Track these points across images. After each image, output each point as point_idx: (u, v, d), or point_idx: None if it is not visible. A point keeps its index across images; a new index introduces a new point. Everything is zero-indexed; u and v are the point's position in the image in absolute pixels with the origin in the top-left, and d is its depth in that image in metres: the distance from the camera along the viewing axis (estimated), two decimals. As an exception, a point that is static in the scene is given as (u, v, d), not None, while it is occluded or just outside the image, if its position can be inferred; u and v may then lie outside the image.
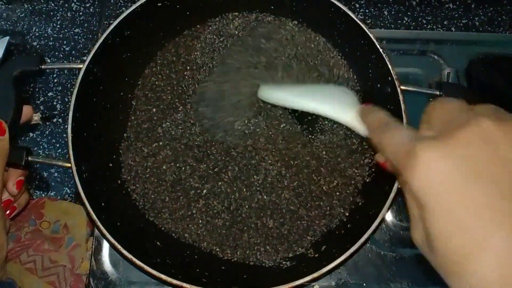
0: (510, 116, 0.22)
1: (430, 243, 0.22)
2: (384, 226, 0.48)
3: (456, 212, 0.21)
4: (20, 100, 0.40)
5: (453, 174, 0.21)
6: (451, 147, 0.21)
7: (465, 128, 0.22)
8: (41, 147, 0.55)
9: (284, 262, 0.43)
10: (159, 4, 0.45)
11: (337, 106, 0.37)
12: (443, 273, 0.22)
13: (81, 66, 0.41)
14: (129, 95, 0.48)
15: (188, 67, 0.49)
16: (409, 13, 0.61)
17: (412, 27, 0.59)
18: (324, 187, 0.45)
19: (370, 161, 0.46)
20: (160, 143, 0.47)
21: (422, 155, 0.22)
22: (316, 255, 0.43)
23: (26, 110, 0.41)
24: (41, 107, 0.57)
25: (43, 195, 0.53)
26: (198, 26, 0.49)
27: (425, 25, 0.60)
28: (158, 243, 0.43)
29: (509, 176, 0.21)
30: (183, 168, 0.46)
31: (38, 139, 0.56)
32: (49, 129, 0.56)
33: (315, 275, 0.37)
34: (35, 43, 0.60)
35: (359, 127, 0.34)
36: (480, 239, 0.20)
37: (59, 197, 0.53)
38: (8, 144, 0.38)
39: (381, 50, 0.42)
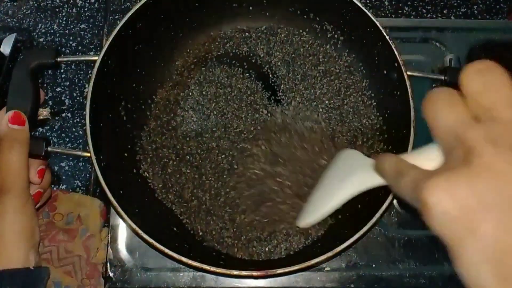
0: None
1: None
2: (392, 209, 0.50)
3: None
4: (37, 92, 0.41)
5: (469, 214, 0.20)
6: (456, 185, 0.20)
7: (470, 162, 0.20)
8: (51, 141, 0.56)
9: (298, 245, 0.45)
10: (169, -4, 0.46)
11: (360, 179, 0.33)
12: None
13: (96, 58, 0.42)
14: (141, 87, 0.49)
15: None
16: (409, 3, 0.62)
17: (412, 16, 0.61)
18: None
19: (379, 148, 0.47)
20: (178, 133, 0.48)
21: (429, 200, 0.20)
22: (328, 237, 0.44)
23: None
24: (50, 102, 0.58)
25: (54, 188, 0.54)
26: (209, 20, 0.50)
27: (424, 14, 0.61)
28: (175, 229, 0.44)
29: None
30: (201, 158, 0.47)
31: (48, 134, 0.57)
32: (59, 124, 0.57)
33: (329, 254, 0.39)
34: (41, 39, 0.61)
35: (382, 181, 0.31)
36: None
37: (70, 189, 0.54)
38: (28, 134, 0.39)
39: (387, 37, 0.43)
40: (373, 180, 0.30)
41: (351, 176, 0.34)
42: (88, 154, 0.40)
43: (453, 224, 0.20)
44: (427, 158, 0.25)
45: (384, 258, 0.48)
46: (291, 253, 0.45)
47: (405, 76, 0.43)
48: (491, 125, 0.21)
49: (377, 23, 0.44)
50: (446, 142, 0.22)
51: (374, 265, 0.48)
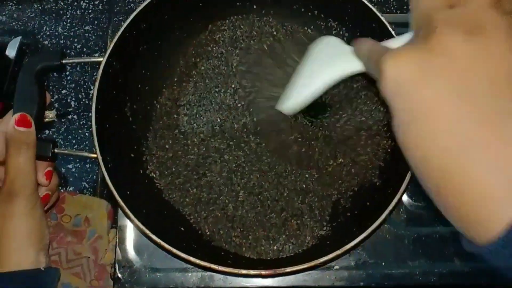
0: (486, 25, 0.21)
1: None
2: (401, 206, 0.49)
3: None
4: (43, 94, 0.41)
5: (413, 83, 0.22)
6: (413, 56, 0.22)
7: (430, 40, 0.22)
8: (57, 143, 0.56)
9: (306, 244, 0.44)
10: (173, -4, 0.46)
11: (342, 64, 0.35)
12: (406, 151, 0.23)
13: (101, 59, 0.42)
14: (146, 87, 0.49)
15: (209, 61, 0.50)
16: (414, -2, 0.61)
17: (417, 12, 0.60)
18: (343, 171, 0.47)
19: (387, 145, 0.47)
20: (184, 133, 0.48)
21: (383, 66, 0.23)
22: (337, 235, 0.44)
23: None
24: (56, 105, 0.58)
25: (62, 190, 0.54)
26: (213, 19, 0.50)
27: (430, 9, 0.61)
28: (182, 228, 0.44)
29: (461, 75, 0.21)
30: (208, 157, 0.47)
31: (54, 136, 0.57)
32: (65, 126, 0.57)
33: (338, 252, 0.38)
34: (46, 42, 0.61)
35: (362, 67, 0.33)
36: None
37: (77, 191, 0.54)
38: (35, 136, 0.39)
39: (393, 33, 0.43)
40: (353, 65, 0.33)
41: (333, 62, 0.36)
42: (95, 155, 0.40)
43: (400, 89, 0.22)
44: (401, 42, 0.27)
45: (394, 256, 0.47)
46: (300, 251, 0.44)
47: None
48: (458, 9, 0.22)
49: (383, 19, 0.43)
50: (417, 24, 0.25)
51: (383, 263, 0.47)
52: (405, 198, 0.50)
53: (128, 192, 0.41)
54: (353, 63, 0.33)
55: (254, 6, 0.51)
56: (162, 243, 0.38)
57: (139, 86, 0.48)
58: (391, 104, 0.23)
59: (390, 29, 0.43)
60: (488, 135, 0.20)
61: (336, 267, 0.47)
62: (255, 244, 0.45)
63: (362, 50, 0.30)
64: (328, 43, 0.39)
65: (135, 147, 0.47)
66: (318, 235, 0.45)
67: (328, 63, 0.37)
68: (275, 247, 0.45)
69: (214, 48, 0.51)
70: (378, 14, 0.44)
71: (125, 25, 0.42)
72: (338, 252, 0.38)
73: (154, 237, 0.38)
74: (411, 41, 0.24)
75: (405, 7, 0.61)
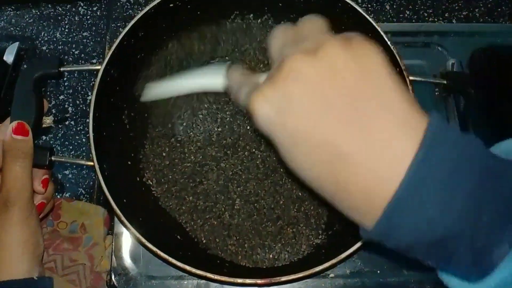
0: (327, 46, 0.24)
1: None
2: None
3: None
4: (41, 102, 0.41)
5: (280, 114, 0.24)
6: (273, 90, 0.24)
7: (282, 69, 0.24)
8: (54, 149, 0.56)
9: (302, 252, 0.45)
10: (171, 5, 0.46)
11: (209, 79, 0.37)
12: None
13: (99, 67, 0.42)
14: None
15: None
16: (410, 7, 0.62)
17: (414, 20, 0.61)
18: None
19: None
20: (180, 141, 0.48)
21: (252, 107, 0.25)
22: (332, 244, 0.44)
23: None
24: (53, 110, 0.58)
25: (58, 196, 0.54)
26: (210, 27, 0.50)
27: (426, 18, 0.61)
28: (178, 237, 0.44)
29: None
30: (204, 165, 0.48)
31: (51, 142, 0.57)
32: (62, 132, 0.57)
33: (333, 261, 0.39)
34: (44, 48, 0.61)
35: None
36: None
37: (74, 197, 0.54)
38: (32, 144, 0.39)
39: (389, 42, 0.43)
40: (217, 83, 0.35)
41: (206, 74, 0.37)
42: (92, 163, 0.40)
43: (272, 123, 0.24)
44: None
45: (389, 265, 0.48)
46: (295, 260, 0.45)
47: (407, 81, 0.42)
48: (303, 42, 0.26)
49: (379, 29, 0.44)
50: (273, 59, 0.28)
51: (379, 271, 0.47)
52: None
53: (124, 200, 0.41)
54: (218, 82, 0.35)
55: (251, 15, 0.51)
56: (158, 251, 0.38)
57: (137, 94, 0.48)
58: (270, 137, 0.25)
59: (386, 39, 0.44)
60: (350, 131, 0.23)
61: (332, 275, 0.47)
62: (251, 253, 0.45)
63: (232, 80, 0.33)
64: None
65: (132, 154, 0.47)
66: (314, 243, 0.45)
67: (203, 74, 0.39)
68: (271, 256, 0.45)
69: (213, 57, 0.51)
70: (374, 24, 0.44)
71: (123, 33, 0.43)
72: (334, 261, 0.39)
73: (149, 245, 0.38)
74: (270, 74, 0.26)
75: (401, 15, 0.61)
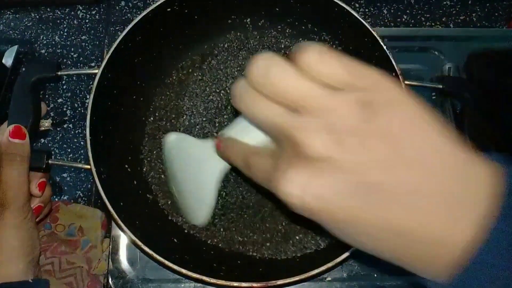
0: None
1: None
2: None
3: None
4: (38, 105, 0.41)
5: (317, 198, 0.22)
6: (307, 181, 0.21)
7: (303, 152, 0.21)
8: (52, 152, 0.56)
9: (297, 255, 0.45)
10: (169, 10, 0.46)
11: (217, 168, 0.33)
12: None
13: (96, 71, 0.42)
14: (141, 99, 0.49)
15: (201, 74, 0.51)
16: (407, 11, 0.62)
17: (411, 25, 0.61)
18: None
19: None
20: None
21: (286, 193, 0.22)
22: (329, 247, 0.44)
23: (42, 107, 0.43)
24: (52, 113, 0.58)
25: (56, 199, 0.54)
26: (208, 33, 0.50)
27: (423, 22, 0.62)
28: (175, 240, 0.44)
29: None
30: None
31: (49, 145, 0.57)
32: (60, 135, 0.58)
33: (329, 264, 0.39)
34: (43, 51, 0.61)
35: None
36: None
37: (72, 200, 0.54)
38: (29, 147, 0.39)
39: (384, 47, 0.43)
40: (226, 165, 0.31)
41: (208, 169, 0.34)
42: (89, 167, 0.40)
43: (315, 212, 0.22)
44: (255, 136, 0.26)
45: (386, 268, 0.48)
46: (292, 263, 0.45)
47: (403, 86, 0.43)
48: (314, 115, 0.21)
49: (374, 33, 0.44)
50: (271, 135, 0.24)
51: (375, 275, 0.48)
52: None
53: (121, 203, 0.41)
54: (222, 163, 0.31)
55: (249, 20, 0.51)
56: (154, 254, 0.38)
57: (134, 97, 0.48)
58: (313, 218, 0.23)
59: (381, 43, 0.44)
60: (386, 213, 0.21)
61: (329, 278, 0.47)
62: (248, 255, 0.45)
63: (234, 160, 0.28)
64: (182, 143, 0.38)
65: (130, 158, 0.47)
66: (312, 247, 0.45)
67: (206, 173, 0.35)
68: (268, 258, 0.45)
69: (210, 61, 0.51)
70: (370, 29, 0.44)
71: (120, 37, 0.43)
72: (329, 264, 0.39)
73: (146, 248, 0.38)
74: (283, 153, 0.23)
75: (398, 19, 0.62)
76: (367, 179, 0.21)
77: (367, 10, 0.63)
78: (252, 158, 0.26)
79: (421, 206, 0.21)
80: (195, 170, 0.36)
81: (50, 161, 0.41)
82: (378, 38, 0.44)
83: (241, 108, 0.24)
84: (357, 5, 0.62)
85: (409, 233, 0.21)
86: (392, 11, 0.62)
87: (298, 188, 0.21)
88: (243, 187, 0.47)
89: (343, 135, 0.21)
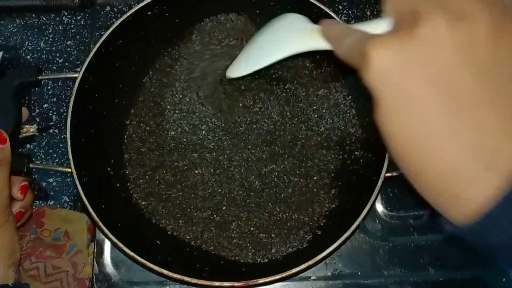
0: (471, 14, 0.21)
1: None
2: (375, 217, 0.50)
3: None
4: (19, 110, 0.42)
5: (401, 72, 0.22)
6: (400, 45, 0.22)
7: (418, 26, 0.22)
8: (38, 157, 0.56)
9: (279, 256, 0.45)
10: (149, 13, 0.47)
11: (300, 39, 0.34)
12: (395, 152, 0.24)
13: (76, 75, 0.42)
14: (124, 102, 0.49)
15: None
16: (390, 12, 0.63)
17: (393, 26, 0.62)
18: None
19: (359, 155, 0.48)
20: (161, 145, 0.49)
21: (371, 54, 0.22)
22: (312, 245, 0.44)
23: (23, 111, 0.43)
24: (37, 119, 0.59)
25: (42, 204, 0.54)
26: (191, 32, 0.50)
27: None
28: (158, 241, 0.44)
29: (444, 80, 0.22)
30: (183, 169, 0.48)
31: (35, 150, 0.57)
32: (46, 140, 0.58)
33: (310, 262, 0.39)
34: (28, 57, 0.61)
35: (326, 45, 0.32)
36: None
37: (58, 205, 0.54)
38: (9, 152, 0.39)
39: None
40: (315, 43, 0.32)
41: (294, 36, 0.35)
42: (70, 170, 0.40)
43: (388, 79, 0.22)
44: (374, 28, 0.27)
45: (370, 266, 0.48)
46: (275, 262, 0.45)
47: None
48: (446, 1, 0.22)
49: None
50: (399, 14, 0.24)
51: (359, 273, 0.48)
52: (380, 208, 0.50)
53: (103, 206, 0.41)
54: (316, 41, 0.32)
55: (232, 16, 0.51)
56: (136, 256, 0.38)
57: (116, 100, 0.48)
58: (376, 93, 0.23)
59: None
60: (464, 126, 0.21)
61: (313, 277, 0.47)
62: (231, 254, 0.45)
63: (331, 32, 0.30)
64: (292, 18, 0.38)
65: (112, 161, 0.47)
66: (294, 245, 0.46)
67: (287, 37, 0.36)
68: (250, 257, 0.45)
69: (191, 61, 0.51)
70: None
71: (100, 41, 0.43)
72: (310, 262, 0.39)
73: (127, 250, 0.38)
74: (395, 28, 0.24)
75: (381, 21, 0.62)
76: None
77: (350, 12, 0.63)
78: (351, 30, 0.27)
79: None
80: (282, 35, 0.37)
81: (31, 165, 0.41)
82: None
83: None
84: (340, 7, 0.63)
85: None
86: (375, 12, 0.63)
87: (388, 52, 0.22)
88: (235, 191, 0.48)
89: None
